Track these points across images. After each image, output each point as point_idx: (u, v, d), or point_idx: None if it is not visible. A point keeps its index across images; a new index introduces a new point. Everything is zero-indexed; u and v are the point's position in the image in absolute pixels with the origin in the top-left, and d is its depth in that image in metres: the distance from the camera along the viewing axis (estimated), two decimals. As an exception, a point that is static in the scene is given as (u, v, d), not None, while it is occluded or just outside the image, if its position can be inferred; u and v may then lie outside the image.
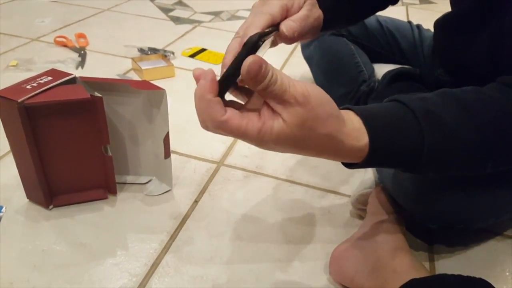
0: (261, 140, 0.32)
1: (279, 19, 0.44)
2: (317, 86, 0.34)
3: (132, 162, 0.69)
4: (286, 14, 0.45)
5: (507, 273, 0.59)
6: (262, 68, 0.30)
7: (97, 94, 0.57)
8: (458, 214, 0.53)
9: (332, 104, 0.34)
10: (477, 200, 0.53)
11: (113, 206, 0.65)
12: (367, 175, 0.69)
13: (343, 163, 0.40)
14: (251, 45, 0.33)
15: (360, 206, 0.66)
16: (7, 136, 0.58)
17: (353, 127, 0.36)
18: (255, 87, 0.31)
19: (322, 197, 0.71)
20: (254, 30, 0.40)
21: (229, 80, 0.33)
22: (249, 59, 0.30)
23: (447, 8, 0.62)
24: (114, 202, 0.66)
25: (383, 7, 0.62)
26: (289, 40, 0.45)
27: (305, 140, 0.33)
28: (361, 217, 0.66)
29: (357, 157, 0.37)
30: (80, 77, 0.61)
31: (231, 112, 0.31)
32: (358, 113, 0.37)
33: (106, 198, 0.66)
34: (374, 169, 0.68)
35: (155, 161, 0.68)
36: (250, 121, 0.31)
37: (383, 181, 0.63)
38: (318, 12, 0.49)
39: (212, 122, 0.31)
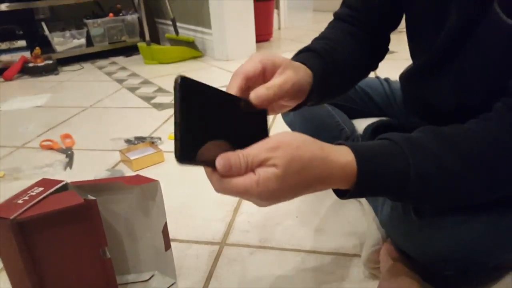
0: (263, 189, 0.37)
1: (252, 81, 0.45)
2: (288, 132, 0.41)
3: (131, 259, 0.67)
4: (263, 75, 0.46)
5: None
6: (231, 163, 0.37)
7: (90, 197, 0.57)
8: (471, 253, 0.51)
9: (305, 135, 0.41)
10: (481, 235, 0.51)
11: (117, 312, 0.61)
12: (372, 230, 0.68)
13: (335, 192, 0.44)
14: None
15: (373, 265, 0.64)
16: None
17: (337, 148, 0.42)
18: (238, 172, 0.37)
19: (332, 261, 0.69)
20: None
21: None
22: (219, 162, 0.36)
23: (408, 53, 0.65)
24: (118, 307, 0.62)
25: (365, 75, 0.67)
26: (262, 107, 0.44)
27: (303, 161, 0.38)
28: (376, 276, 0.64)
29: (347, 178, 0.41)
30: (72, 182, 0.61)
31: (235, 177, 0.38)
32: (341, 143, 0.43)
33: (108, 304, 0.62)
34: (379, 224, 0.67)
35: (156, 255, 0.66)
36: (248, 177, 0.37)
37: (391, 234, 0.62)
38: (297, 77, 0.46)
39: (218, 185, 0.38)
